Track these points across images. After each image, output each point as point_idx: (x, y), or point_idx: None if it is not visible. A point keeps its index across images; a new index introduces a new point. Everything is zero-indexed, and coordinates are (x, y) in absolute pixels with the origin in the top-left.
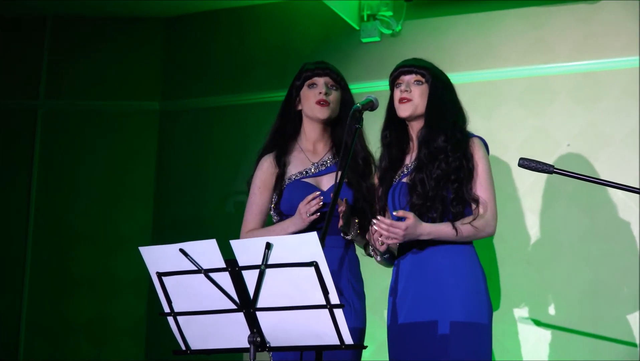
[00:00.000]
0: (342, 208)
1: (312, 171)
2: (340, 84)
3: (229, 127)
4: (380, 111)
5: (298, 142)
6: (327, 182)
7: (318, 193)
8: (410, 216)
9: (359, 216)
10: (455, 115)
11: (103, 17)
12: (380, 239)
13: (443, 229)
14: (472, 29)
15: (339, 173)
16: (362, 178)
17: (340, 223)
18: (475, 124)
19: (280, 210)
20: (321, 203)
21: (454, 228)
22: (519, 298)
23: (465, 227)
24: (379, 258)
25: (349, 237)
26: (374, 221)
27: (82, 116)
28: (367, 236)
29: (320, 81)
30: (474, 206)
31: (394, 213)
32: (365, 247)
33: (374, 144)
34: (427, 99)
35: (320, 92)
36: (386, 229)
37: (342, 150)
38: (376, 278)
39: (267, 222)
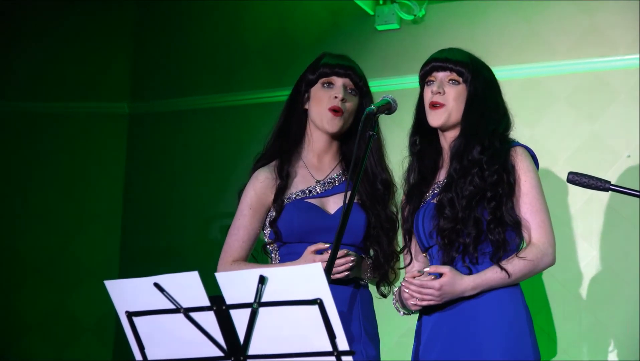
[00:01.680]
0: (347, 265)
1: (317, 190)
2: (362, 89)
3: (214, 134)
4: (399, 115)
5: (301, 154)
6: (334, 203)
7: (345, 252)
8: (447, 271)
9: (372, 245)
10: (497, 122)
11: (60, 1)
12: (411, 302)
13: (490, 277)
14: (512, 14)
15: (349, 193)
16: (380, 205)
17: (347, 273)
18: (515, 131)
19: (277, 228)
20: (351, 261)
21: (503, 269)
22: (570, 343)
23: (515, 264)
24: (402, 313)
25: (364, 282)
26: (402, 283)
27: (33, 121)
28: (375, 273)
29: (339, 82)
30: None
31: (426, 270)
32: (378, 285)
33: (392, 156)
34: (465, 103)
35: (336, 97)
36: (417, 291)
37: (353, 162)
38: (393, 319)
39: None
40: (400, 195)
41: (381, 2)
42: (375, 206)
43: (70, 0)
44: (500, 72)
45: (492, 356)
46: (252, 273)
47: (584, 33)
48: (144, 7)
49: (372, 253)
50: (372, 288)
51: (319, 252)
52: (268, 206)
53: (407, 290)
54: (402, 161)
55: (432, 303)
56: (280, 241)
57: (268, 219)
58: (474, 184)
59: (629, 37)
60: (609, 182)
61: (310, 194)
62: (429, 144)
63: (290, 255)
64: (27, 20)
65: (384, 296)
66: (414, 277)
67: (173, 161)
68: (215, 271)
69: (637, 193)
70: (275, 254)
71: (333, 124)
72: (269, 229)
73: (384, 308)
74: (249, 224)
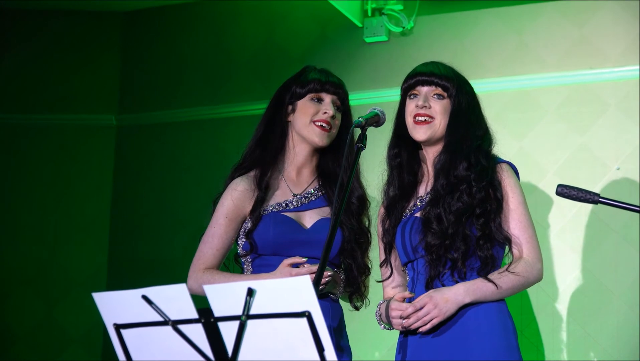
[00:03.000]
0: (324, 280)
1: (294, 204)
2: (346, 107)
3: (202, 146)
4: (387, 128)
5: (280, 167)
6: (310, 218)
7: (305, 259)
8: (429, 291)
9: (346, 259)
10: (481, 137)
11: (46, 11)
12: (421, 330)
13: (480, 285)
14: (501, 26)
15: (338, 203)
16: (354, 218)
17: (321, 287)
18: (505, 143)
19: (253, 240)
20: (328, 276)
21: (491, 282)
22: (558, 355)
23: (506, 278)
24: (382, 326)
25: (335, 296)
26: (401, 322)
27: (21, 133)
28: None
29: (328, 98)
30: (511, 247)
31: (410, 304)
32: (351, 298)
33: (380, 167)
34: (449, 118)
35: (325, 112)
36: (416, 318)
37: (341, 175)
38: (380, 334)
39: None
40: (376, 208)
41: (370, 14)
42: (350, 219)
43: (58, 13)
44: (490, 84)
45: None
46: (241, 286)
47: (573, 45)
48: (131, 19)
49: (343, 266)
50: (344, 304)
51: (295, 266)
52: (244, 216)
53: (407, 325)
54: (380, 174)
55: (436, 320)
56: (254, 252)
57: (243, 230)
58: (462, 200)
59: (618, 49)
60: (598, 194)
61: (287, 208)
62: (409, 157)
63: (264, 267)
64: (13, 32)
65: (357, 309)
66: (403, 299)
67: (161, 173)
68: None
69: (626, 206)
70: (249, 266)
71: (322, 137)
72: (243, 240)
73: (371, 323)
74: (224, 233)
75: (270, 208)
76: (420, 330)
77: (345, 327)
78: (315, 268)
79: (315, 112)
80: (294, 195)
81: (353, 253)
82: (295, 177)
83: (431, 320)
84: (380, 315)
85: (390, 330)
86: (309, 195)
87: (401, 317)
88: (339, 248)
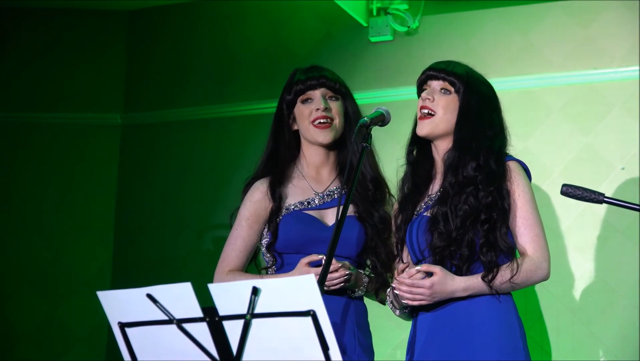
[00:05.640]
0: (340, 277)
1: (316, 202)
2: (340, 91)
3: (207, 145)
4: (392, 127)
5: (298, 167)
6: (332, 216)
7: (341, 264)
8: (438, 271)
9: (370, 256)
10: (491, 138)
11: (51, 10)
12: (403, 302)
13: (482, 288)
14: (506, 26)
15: (345, 196)
16: (373, 207)
17: (341, 284)
18: (510, 142)
19: (275, 250)
20: (346, 274)
21: (493, 289)
22: (563, 355)
23: (506, 286)
24: (398, 312)
25: (356, 294)
26: (393, 284)
27: (27, 132)
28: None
29: (316, 94)
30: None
31: (418, 268)
32: (378, 292)
33: (386, 167)
34: (457, 115)
35: (317, 109)
36: (408, 291)
37: (346, 173)
38: (387, 331)
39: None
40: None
41: (375, 13)
42: (368, 208)
43: (63, 11)
44: (495, 84)
45: None
46: (245, 284)
47: (578, 45)
48: (137, 18)
49: (368, 262)
50: (368, 301)
51: (313, 264)
52: (265, 219)
53: (398, 291)
54: (397, 170)
55: (423, 302)
56: (277, 253)
57: (265, 242)
58: (469, 203)
59: (623, 49)
60: (603, 194)
61: (309, 206)
62: (425, 155)
63: (286, 266)
64: (18, 30)
65: (383, 303)
66: (410, 276)
67: (166, 172)
68: (210, 281)
69: (631, 206)
70: (272, 270)
71: (325, 135)
72: (266, 253)
73: (378, 320)
74: (247, 235)
75: (292, 207)
76: (403, 301)
77: (369, 325)
78: (338, 264)
79: (309, 113)
80: (316, 193)
81: (376, 250)
82: (315, 175)
83: (420, 300)
84: (391, 301)
85: (404, 311)
86: (332, 193)
87: (398, 281)
88: (362, 247)
